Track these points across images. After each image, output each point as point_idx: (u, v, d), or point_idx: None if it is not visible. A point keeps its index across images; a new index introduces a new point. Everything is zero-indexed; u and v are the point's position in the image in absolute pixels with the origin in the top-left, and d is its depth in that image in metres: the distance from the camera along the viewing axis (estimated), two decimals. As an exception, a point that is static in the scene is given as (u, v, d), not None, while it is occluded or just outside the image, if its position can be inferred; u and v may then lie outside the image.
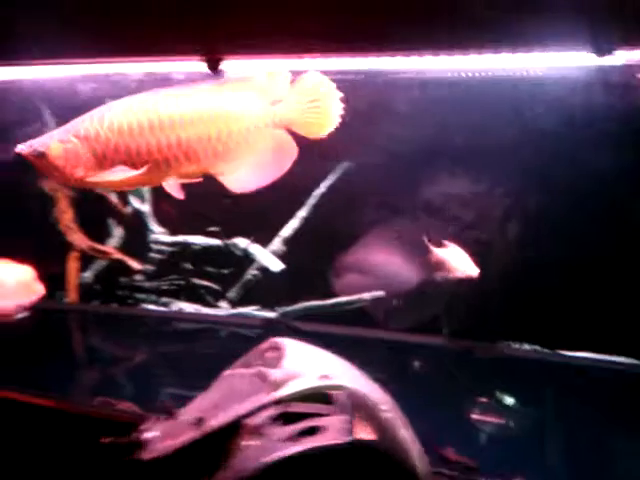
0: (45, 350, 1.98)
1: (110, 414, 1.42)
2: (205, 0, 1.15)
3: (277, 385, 0.63)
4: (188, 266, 2.13)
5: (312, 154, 1.92)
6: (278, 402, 0.60)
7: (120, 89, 1.87)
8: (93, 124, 1.22)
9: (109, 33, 1.26)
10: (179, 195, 1.24)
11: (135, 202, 2.13)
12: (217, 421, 0.61)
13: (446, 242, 1.54)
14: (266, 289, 2.08)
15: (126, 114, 1.21)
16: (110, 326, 2.21)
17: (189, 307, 2.17)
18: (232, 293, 2.12)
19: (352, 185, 1.88)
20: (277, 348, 0.72)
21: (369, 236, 1.69)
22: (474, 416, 1.47)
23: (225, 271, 2.11)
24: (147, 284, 2.19)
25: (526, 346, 1.77)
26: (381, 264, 1.67)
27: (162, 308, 2.20)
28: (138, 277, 2.18)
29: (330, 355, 0.77)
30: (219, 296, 2.13)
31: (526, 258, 1.60)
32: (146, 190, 2.11)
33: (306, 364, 0.68)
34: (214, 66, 1.17)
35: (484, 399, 1.56)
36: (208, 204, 2.02)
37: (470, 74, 1.27)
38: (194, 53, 1.17)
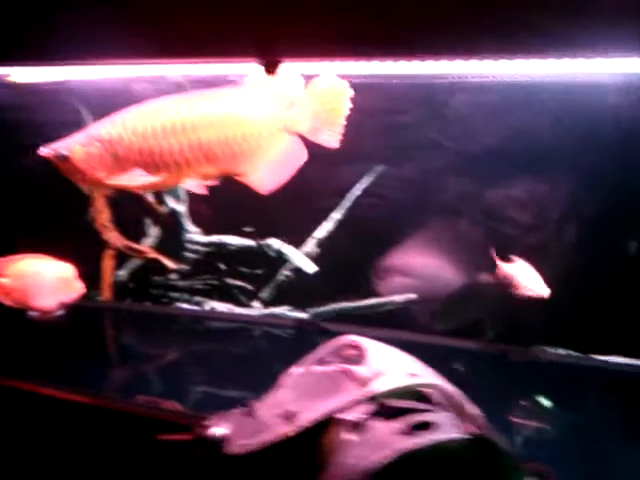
0: (79, 348, 1.99)
1: (155, 413, 1.42)
2: (264, 1, 1.15)
3: (365, 382, 0.62)
4: (222, 266, 2.14)
5: (347, 156, 1.96)
6: (372, 398, 0.59)
7: (159, 91, 1.90)
8: (115, 127, 1.23)
9: (163, 33, 1.26)
10: (201, 192, 1.26)
11: (171, 202, 2.14)
12: (309, 416, 0.60)
13: (514, 257, 1.52)
14: (298, 290, 2.08)
15: (148, 117, 1.23)
16: (144, 324, 2.21)
17: (222, 306, 2.17)
18: (265, 293, 2.12)
19: (387, 188, 1.88)
20: (356, 346, 0.72)
21: (411, 238, 1.68)
22: (513, 419, 1.46)
23: (258, 271, 2.11)
24: (181, 283, 2.19)
25: (560, 350, 1.76)
26: (425, 267, 1.67)
27: (195, 307, 2.20)
28: (172, 276, 2.19)
29: (405, 354, 0.76)
30: (252, 296, 2.13)
31: (568, 263, 1.59)
32: (182, 190, 2.11)
33: (390, 362, 0.67)
34: (272, 69, 1.17)
35: (523, 402, 1.56)
36: (242, 205, 2.02)
37: (523, 78, 1.27)
38: (251, 55, 1.17)
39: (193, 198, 2.12)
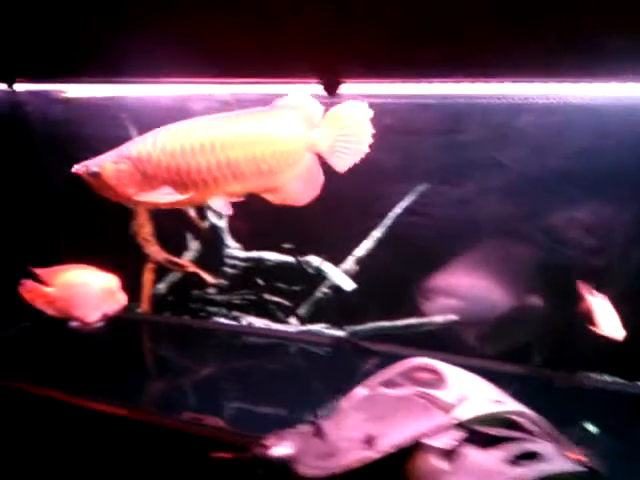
0: (117, 359, 1.98)
1: (198, 430, 1.40)
2: (324, 22, 1.15)
3: (449, 407, 0.59)
4: (260, 281, 2.12)
5: (389, 174, 1.94)
6: (458, 424, 0.56)
7: (207, 109, 1.91)
8: (145, 146, 1.26)
9: (225, 53, 1.26)
10: (227, 211, 1.29)
11: (213, 217, 2.13)
12: (392, 441, 0.57)
13: (596, 292, 1.48)
14: (336, 308, 2.05)
15: (178, 136, 1.25)
16: (181, 338, 2.20)
17: (259, 322, 2.15)
18: (302, 310, 2.09)
19: (432, 207, 1.85)
20: (433, 370, 0.69)
21: (458, 259, 1.65)
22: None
23: (296, 288, 2.09)
24: (219, 297, 2.18)
25: (606, 377, 1.70)
26: (471, 288, 1.63)
27: (232, 322, 2.19)
28: (211, 290, 2.18)
29: (481, 379, 0.73)
30: (289, 312, 2.11)
31: (622, 288, 1.54)
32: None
33: (471, 387, 0.64)
34: (332, 89, 1.16)
35: (568, 429, 1.50)
36: (282, 222, 2.01)
37: (587, 100, 1.24)
38: (312, 75, 1.17)
39: (234, 214, 2.11)
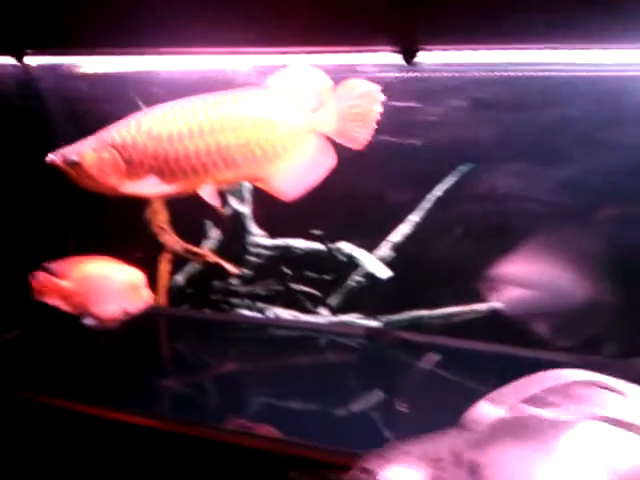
0: (134, 360, 1.80)
1: (252, 441, 1.22)
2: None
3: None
4: (287, 271, 1.94)
5: (429, 155, 1.77)
6: None
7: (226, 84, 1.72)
8: (129, 131, 1.14)
9: (283, 18, 1.07)
10: (216, 202, 1.17)
11: (234, 203, 1.95)
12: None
13: None
14: (370, 297, 1.88)
15: (164, 120, 1.13)
16: (201, 332, 2.02)
17: (286, 313, 1.98)
18: (333, 300, 1.92)
19: (475, 188, 1.68)
20: (601, 386, 0.52)
21: (526, 246, 1.48)
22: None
23: (327, 277, 1.91)
24: (242, 288, 2.00)
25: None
26: (544, 276, 1.47)
27: (257, 314, 2.01)
28: (233, 281, 2.00)
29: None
30: (319, 303, 1.93)
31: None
32: (247, 190, 1.92)
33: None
34: (410, 58, 0.99)
35: None
36: (312, 206, 1.83)
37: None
38: (389, 43, 0.99)
39: (258, 199, 1.94)
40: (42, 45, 1.35)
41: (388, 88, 1.06)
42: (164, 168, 1.13)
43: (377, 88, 1.14)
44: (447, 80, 1.24)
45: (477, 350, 1.75)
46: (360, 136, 1.15)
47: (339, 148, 1.16)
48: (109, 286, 1.50)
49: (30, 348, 1.86)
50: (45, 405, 1.53)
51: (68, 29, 1.22)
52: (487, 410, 0.64)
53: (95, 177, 1.15)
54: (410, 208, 1.77)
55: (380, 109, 1.14)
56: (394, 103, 1.36)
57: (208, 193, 1.16)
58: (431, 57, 1.04)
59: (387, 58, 1.06)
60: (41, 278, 1.50)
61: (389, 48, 1.03)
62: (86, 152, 1.15)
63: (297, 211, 1.83)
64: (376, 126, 1.15)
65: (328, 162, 1.16)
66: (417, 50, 0.99)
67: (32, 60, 1.48)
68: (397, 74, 1.15)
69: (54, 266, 1.50)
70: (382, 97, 1.14)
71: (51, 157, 1.16)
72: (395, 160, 1.63)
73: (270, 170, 1.16)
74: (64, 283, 1.50)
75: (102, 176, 1.15)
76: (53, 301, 1.51)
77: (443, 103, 1.38)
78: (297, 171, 1.17)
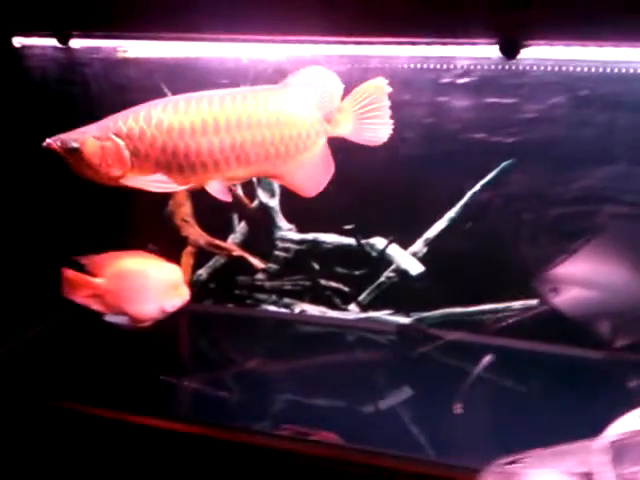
0: (159, 359, 1.70)
1: (307, 448, 1.14)
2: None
3: None
4: (316, 266, 1.86)
5: (467, 150, 1.70)
6: None
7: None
8: (138, 122, 1.06)
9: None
10: (226, 198, 1.10)
11: (263, 196, 1.85)
12: None
13: None
14: (402, 293, 1.81)
15: (177, 113, 1.06)
16: (225, 328, 1.92)
17: (314, 309, 1.90)
18: (363, 296, 1.85)
19: (518, 185, 1.62)
20: None
21: (584, 244, 1.42)
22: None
23: (357, 272, 1.83)
24: (268, 284, 1.91)
25: None
26: (605, 277, 1.41)
27: (283, 310, 1.93)
28: (259, 276, 1.90)
29: None
30: (349, 298, 1.85)
31: None
32: (276, 184, 1.83)
33: None
34: (510, 50, 0.91)
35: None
36: (343, 200, 1.76)
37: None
38: (488, 35, 0.91)
39: (287, 192, 1.84)
40: (86, 27, 1.23)
41: (486, 82, 0.98)
42: (172, 162, 1.06)
43: (385, 81, 1.10)
44: (549, 75, 1.16)
45: (513, 348, 1.70)
46: (378, 133, 1.12)
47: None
48: (146, 284, 1.39)
49: (48, 348, 1.75)
50: (68, 410, 1.44)
51: (115, 11, 1.10)
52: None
53: (95, 167, 1.07)
54: (449, 205, 1.71)
55: (388, 102, 1.10)
56: (489, 99, 1.29)
57: (216, 189, 1.09)
58: (534, 52, 0.96)
59: (486, 51, 0.98)
60: (71, 274, 1.39)
61: (490, 41, 0.95)
62: (87, 139, 1.06)
63: (328, 205, 1.76)
64: (391, 120, 1.11)
65: (329, 168, 1.14)
66: (518, 44, 0.92)
67: (76, 43, 1.35)
68: (496, 67, 1.08)
69: (87, 262, 1.39)
70: (389, 89, 1.10)
71: (48, 142, 1.07)
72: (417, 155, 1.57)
73: (282, 168, 1.12)
74: (97, 280, 1.39)
75: (103, 166, 1.07)
76: (84, 300, 1.41)
77: (542, 100, 1.30)
78: (310, 169, 1.13)
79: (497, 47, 0.95)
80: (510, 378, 1.57)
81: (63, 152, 1.07)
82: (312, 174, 1.14)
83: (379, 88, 1.10)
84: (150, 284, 1.40)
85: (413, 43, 1.11)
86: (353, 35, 1.11)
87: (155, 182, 1.08)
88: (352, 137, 1.13)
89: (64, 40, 1.34)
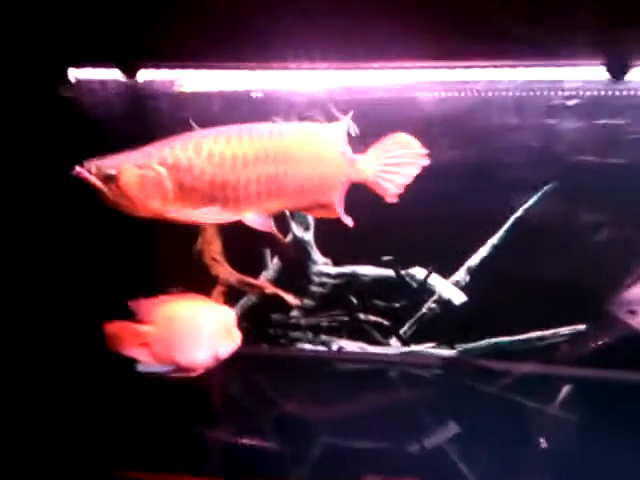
0: (185, 407, 1.56)
1: None
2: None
3: None
4: (354, 300, 1.77)
5: (509, 176, 1.66)
6: None
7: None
8: (186, 152, 0.99)
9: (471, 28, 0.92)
10: (266, 228, 1.06)
11: (297, 229, 1.76)
12: None
13: None
14: (445, 324, 1.74)
15: (230, 144, 1.00)
16: (261, 370, 1.80)
17: (352, 345, 1.80)
18: (404, 329, 1.77)
19: (561, 209, 1.59)
20: None
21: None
22: None
23: (397, 305, 1.75)
24: (304, 321, 1.80)
25: None
26: None
27: (320, 347, 1.82)
28: (294, 313, 1.80)
29: None
30: (389, 333, 1.76)
31: None
32: (310, 217, 1.75)
33: None
34: (619, 73, 0.87)
35: None
36: (382, 231, 1.69)
37: None
38: (596, 57, 0.87)
39: (322, 224, 1.77)
40: (150, 58, 1.14)
41: (593, 104, 0.94)
42: (218, 195, 1.00)
43: (418, 143, 1.08)
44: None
45: (563, 375, 1.64)
46: (392, 188, 1.09)
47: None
48: (199, 329, 1.27)
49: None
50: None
51: (181, 41, 1.02)
52: None
53: (130, 197, 0.98)
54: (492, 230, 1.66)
55: (420, 163, 1.08)
56: (598, 121, 1.25)
57: (255, 221, 1.05)
58: None
59: (593, 74, 0.94)
60: (117, 325, 1.26)
61: (596, 63, 0.91)
62: (126, 167, 0.98)
63: (365, 236, 1.70)
64: (411, 180, 1.10)
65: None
66: (627, 66, 0.88)
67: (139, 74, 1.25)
68: (604, 90, 1.04)
69: (136, 306, 1.26)
70: (423, 151, 1.08)
71: (79, 168, 0.97)
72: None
73: (312, 202, 1.08)
74: (147, 328, 1.27)
75: (141, 197, 0.98)
76: (132, 351, 1.27)
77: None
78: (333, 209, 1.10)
79: (604, 69, 0.91)
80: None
81: (97, 179, 0.96)
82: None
83: (407, 143, 1.08)
84: (203, 329, 1.28)
85: (518, 66, 1.07)
86: (452, 59, 1.05)
87: (207, 215, 1.01)
88: (369, 183, 1.10)
89: (130, 71, 1.23)
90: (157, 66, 1.26)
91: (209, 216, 1.02)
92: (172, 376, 1.32)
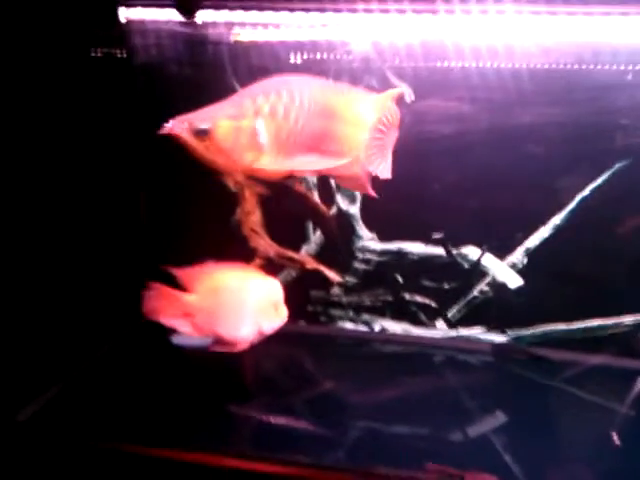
0: (219, 382, 1.47)
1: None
2: None
3: None
4: (400, 279, 1.66)
5: (577, 152, 1.52)
6: None
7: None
8: (281, 100, 0.93)
9: None
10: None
11: (343, 202, 1.64)
12: None
13: None
14: (497, 308, 1.62)
15: (317, 92, 0.95)
16: (296, 348, 1.70)
17: (396, 326, 1.68)
18: (453, 312, 1.65)
19: (632, 190, 1.45)
20: None
21: None
22: None
23: (446, 286, 1.63)
24: (345, 299, 1.69)
25: None
26: None
27: (362, 327, 1.71)
28: (335, 290, 1.69)
29: None
30: (436, 315, 1.65)
31: None
32: (357, 188, 1.63)
33: None
34: None
35: None
36: (434, 207, 1.57)
37: None
38: None
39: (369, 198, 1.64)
40: None
41: None
42: (311, 146, 0.95)
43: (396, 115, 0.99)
44: None
45: (627, 368, 1.52)
46: (380, 167, 1.01)
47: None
48: (244, 302, 1.17)
49: (112, 381, 1.50)
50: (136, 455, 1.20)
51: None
52: None
53: (227, 151, 0.91)
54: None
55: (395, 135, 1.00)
56: None
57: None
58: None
59: None
60: (158, 289, 1.16)
61: None
62: (221, 120, 0.90)
63: (414, 210, 1.58)
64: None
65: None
66: None
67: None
68: None
69: (180, 274, 1.16)
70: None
71: (171, 124, 0.89)
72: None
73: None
74: (189, 298, 1.17)
75: (237, 151, 0.91)
76: (171, 320, 1.18)
77: None
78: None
79: None
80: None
81: (191, 136, 0.88)
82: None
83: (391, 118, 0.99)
84: (248, 302, 1.17)
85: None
86: None
87: (311, 162, 0.95)
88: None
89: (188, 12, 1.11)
90: (216, 7, 1.13)
91: (310, 164, 0.96)
92: (211, 350, 1.23)
